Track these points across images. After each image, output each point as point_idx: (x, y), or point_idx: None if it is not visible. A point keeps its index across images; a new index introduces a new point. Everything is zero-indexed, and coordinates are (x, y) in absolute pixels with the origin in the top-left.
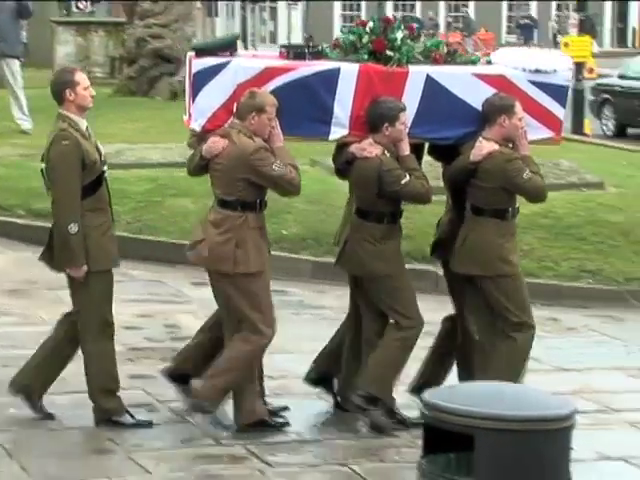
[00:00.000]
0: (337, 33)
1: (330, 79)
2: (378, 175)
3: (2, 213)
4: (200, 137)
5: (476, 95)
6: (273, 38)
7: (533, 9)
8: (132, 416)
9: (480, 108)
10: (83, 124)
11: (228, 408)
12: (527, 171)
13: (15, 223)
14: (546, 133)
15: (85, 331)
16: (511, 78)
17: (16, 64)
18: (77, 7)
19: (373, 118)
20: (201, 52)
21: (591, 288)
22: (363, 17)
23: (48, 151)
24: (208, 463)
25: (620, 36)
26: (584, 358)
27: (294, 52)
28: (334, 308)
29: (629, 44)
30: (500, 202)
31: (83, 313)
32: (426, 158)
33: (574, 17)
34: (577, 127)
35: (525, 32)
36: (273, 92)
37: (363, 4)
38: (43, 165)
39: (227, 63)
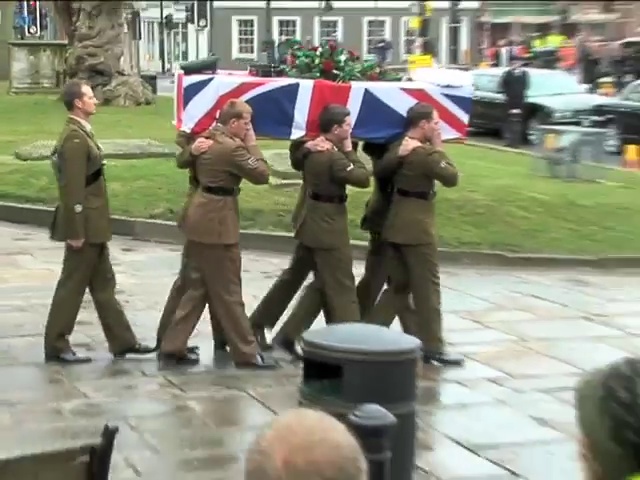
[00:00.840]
0: (235, 52)
1: (291, 92)
2: (329, 164)
3: None
4: (188, 137)
5: (402, 104)
6: (185, 57)
7: (387, 32)
8: (74, 354)
9: (405, 114)
10: (88, 126)
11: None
12: (444, 162)
13: None
14: (455, 134)
15: (68, 285)
16: (428, 91)
17: None
18: (29, 32)
19: (324, 121)
20: (188, 71)
21: None
22: (255, 39)
23: (61, 147)
24: (133, 387)
25: (453, 56)
26: None
27: (262, 71)
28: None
29: (460, 62)
30: (422, 186)
31: (73, 275)
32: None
33: (418, 40)
34: None
35: (381, 52)
36: (247, 102)
37: (255, 29)
38: (54, 158)
39: (210, 79)
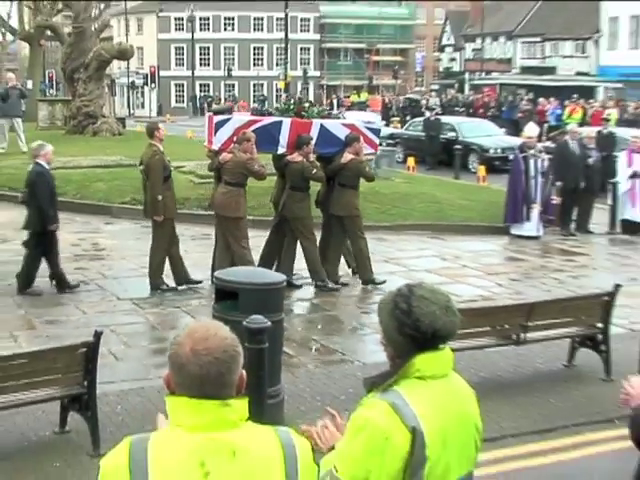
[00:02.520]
0: (173, 103)
1: (277, 125)
2: (302, 169)
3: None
4: (216, 153)
5: (342, 133)
6: (142, 106)
7: (265, 90)
8: (167, 285)
9: (344, 139)
10: (161, 148)
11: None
12: (367, 168)
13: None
14: (371, 150)
15: (157, 246)
16: (357, 125)
17: (19, 120)
18: (49, 92)
19: (298, 143)
20: (215, 113)
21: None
22: (185, 95)
23: (148, 161)
24: (112, 307)
25: None
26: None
27: (259, 113)
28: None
29: None
30: (354, 181)
31: (158, 240)
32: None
33: (284, 95)
34: None
35: (261, 103)
36: (253, 131)
37: (185, 89)
38: (141, 167)
39: (230, 118)
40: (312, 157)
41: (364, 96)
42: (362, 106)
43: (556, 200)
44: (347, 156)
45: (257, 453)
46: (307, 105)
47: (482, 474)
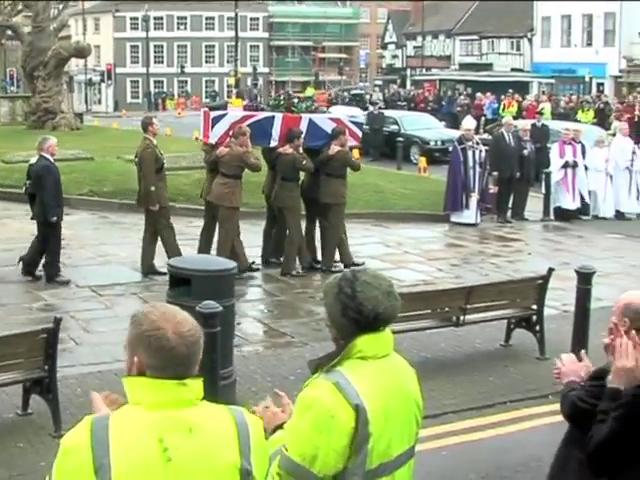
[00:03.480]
0: (128, 99)
1: (270, 119)
2: (293, 161)
3: None
4: (212, 147)
5: (329, 127)
6: (99, 102)
7: (217, 86)
8: (160, 273)
9: (331, 132)
10: (155, 141)
11: None
12: (354, 158)
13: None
14: (355, 142)
15: (149, 231)
16: (342, 119)
17: None
18: (10, 89)
19: (289, 136)
20: (211, 109)
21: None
22: (140, 91)
23: (141, 153)
24: (72, 294)
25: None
26: None
27: (254, 109)
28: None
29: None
30: (341, 171)
31: (150, 225)
32: None
33: (234, 90)
34: None
35: (213, 98)
36: (248, 125)
37: (140, 85)
38: (136, 159)
39: (226, 113)
40: (300, 149)
41: (311, 91)
42: (309, 101)
43: (493, 189)
44: (334, 148)
45: (212, 430)
46: (296, 101)
47: (424, 449)
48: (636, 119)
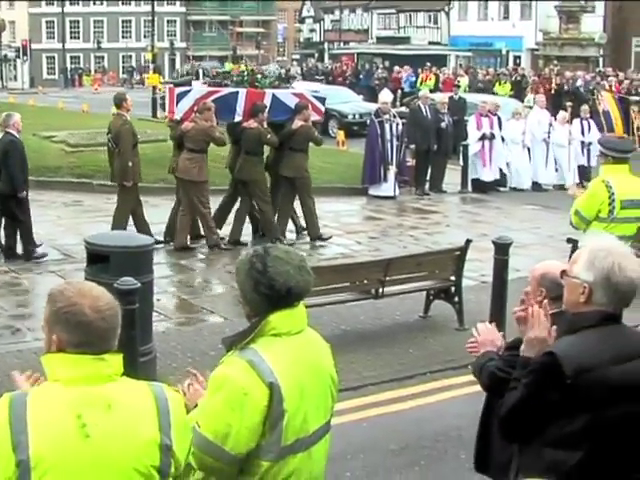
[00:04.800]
0: (44, 75)
1: (235, 95)
2: (258, 135)
3: None
4: (177, 122)
5: (292, 101)
6: (15, 78)
7: (133, 62)
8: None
9: (294, 107)
10: (128, 117)
11: None
12: (316, 132)
13: None
14: (318, 117)
15: (122, 209)
16: (305, 94)
17: None
18: None
19: (254, 111)
20: (176, 85)
21: None
22: (56, 67)
23: (118, 129)
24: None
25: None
26: None
27: (218, 84)
28: None
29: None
30: (303, 145)
31: (124, 201)
32: None
33: (151, 66)
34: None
35: (130, 74)
36: (212, 101)
37: (56, 62)
38: (109, 135)
39: (191, 89)
40: (264, 124)
41: (229, 66)
42: (226, 75)
43: (410, 162)
44: (297, 122)
45: (131, 406)
46: (259, 77)
47: (345, 421)
48: (552, 92)
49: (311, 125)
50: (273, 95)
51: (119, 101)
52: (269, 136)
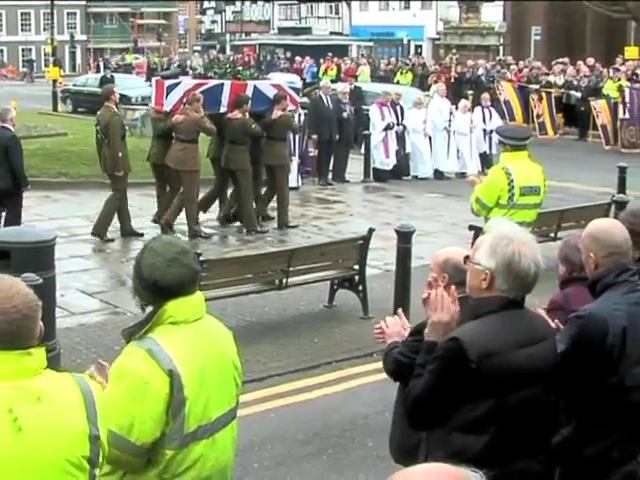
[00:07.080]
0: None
1: (220, 87)
2: (243, 125)
3: None
4: (167, 114)
5: (271, 93)
6: None
7: (34, 54)
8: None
9: (273, 97)
10: (115, 109)
11: None
12: (294, 122)
13: None
14: (293, 107)
15: (116, 195)
16: (283, 85)
17: None
18: None
19: (237, 102)
20: (164, 78)
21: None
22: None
23: (108, 120)
24: None
25: (72, 69)
26: None
27: (204, 77)
28: None
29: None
30: (283, 134)
31: (116, 190)
32: None
33: (51, 59)
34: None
35: (30, 66)
36: (201, 92)
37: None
38: (98, 127)
39: (180, 82)
40: (247, 114)
41: (130, 58)
42: (128, 68)
43: (313, 152)
44: (277, 112)
45: (60, 398)
46: (240, 69)
47: (252, 412)
48: (453, 80)
49: (290, 114)
50: (254, 87)
51: (108, 94)
52: (253, 126)
